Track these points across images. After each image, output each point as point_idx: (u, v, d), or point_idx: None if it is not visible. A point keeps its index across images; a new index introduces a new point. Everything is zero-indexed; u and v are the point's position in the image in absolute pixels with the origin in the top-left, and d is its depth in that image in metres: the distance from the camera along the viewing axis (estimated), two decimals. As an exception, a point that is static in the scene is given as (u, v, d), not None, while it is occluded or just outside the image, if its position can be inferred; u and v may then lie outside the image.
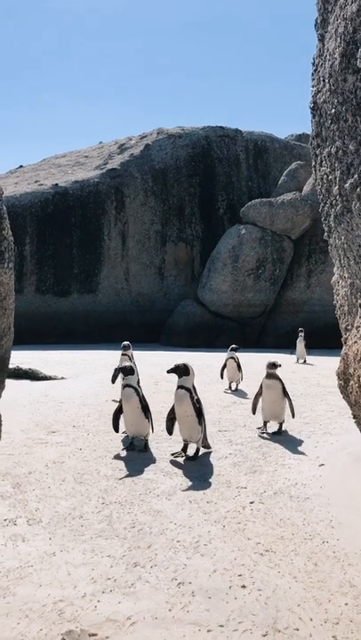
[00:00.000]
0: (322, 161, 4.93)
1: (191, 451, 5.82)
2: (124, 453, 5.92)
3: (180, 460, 5.72)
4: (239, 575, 3.34)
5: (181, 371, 5.74)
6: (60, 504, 4.56)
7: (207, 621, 2.90)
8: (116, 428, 6.26)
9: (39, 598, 3.17)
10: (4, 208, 7.24)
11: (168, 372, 5.82)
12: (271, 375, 6.78)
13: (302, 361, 15.20)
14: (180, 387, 5.72)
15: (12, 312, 7.56)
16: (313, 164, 5.35)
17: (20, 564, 3.58)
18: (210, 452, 5.94)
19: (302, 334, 15.54)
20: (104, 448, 6.12)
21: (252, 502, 4.49)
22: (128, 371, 6.17)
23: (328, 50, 4.26)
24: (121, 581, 3.34)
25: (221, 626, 2.86)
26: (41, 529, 4.12)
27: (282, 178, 25.03)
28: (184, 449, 5.83)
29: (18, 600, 3.16)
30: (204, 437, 5.90)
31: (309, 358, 15.50)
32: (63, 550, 3.77)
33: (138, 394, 6.06)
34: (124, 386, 6.12)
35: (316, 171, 5.27)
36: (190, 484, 4.97)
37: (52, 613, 3.02)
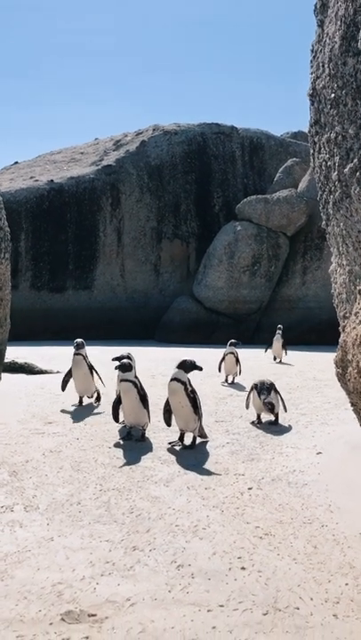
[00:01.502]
0: (320, 148, 4.92)
1: (188, 440, 5.81)
2: (121, 443, 5.91)
3: (177, 448, 5.72)
4: (238, 557, 3.33)
5: (186, 366, 5.74)
6: (57, 491, 4.54)
7: (207, 602, 2.89)
8: (116, 418, 6.31)
9: (37, 581, 3.15)
10: (0, 199, 7.23)
11: (177, 367, 5.79)
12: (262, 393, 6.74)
13: (278, 360, 14.04)
14: (174, 379, 5.71)
15: (8, 303, 7.55)
16: (311, 152, 5.34)
17: (17, 549, 3.56)
18: (206, 442, 5.93)
19: (280, 332, 14.44)
20: (101, 438, 6.10)
21: (250, 488, 4.48)
22: (127, 367, 6.11)
23: (328, 34, 4.25)
24: (120, 564, 3.33)
25: (221, 606, 2.85)
26: (38, 515, 4.09)
27: (277, 175, 25.03)
28: (181, 438, 5.85)
29: (16, 583, 3.14)
30: (201, 427, 5.89)
31: (299, 355, 15.14)
32: (61, 535, 3.75)
33: (136, 385, 6.05)
34: (122, 380, 6.09)
35: (314, 159, 5.26)
36: (188, 471, 4.96)
37: (50, 595, 3.00)
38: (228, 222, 23.82)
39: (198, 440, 5.87)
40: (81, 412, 7.37)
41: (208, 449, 5.66)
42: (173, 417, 5.91)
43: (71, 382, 7.88)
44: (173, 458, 5.36)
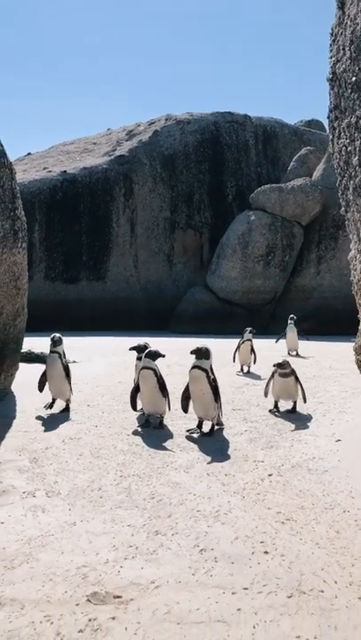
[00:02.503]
0: (340, 133, 4.87)
1: (206, 427, 5.82)
2: (139, 430, 5.94)
3: (195, 435, 5.73)
4: (261, 542, 3.35)
5: (202, 354, 5.78)
6: (78, 477, 4.57)
7: (231, 584, 2.91)
8: (134, 406, 6.38)
9: (62, 564, 3.19)
10: (17, 187, 7.26)
11: (191, 352, 5.86)
12: (286, 374, 6.67)
13: (294, 353, 12.95)
14: (196, 367, 5.73)
15: (25, 292, 7.60)
16: (330, 137, 5.29)
17: (41, 533, 3.60)
18: (222, 429, 5.95)
19: (293, 322, 13.34)
20: (119, 425, 6.13)
21: (270, 475, 4.49)
22: (153, 354, 6.23)
23: (349, 16, 4.20)
24: (143, 548, 3.35)
25: (246, 588, 2.86)
26: (60, 500, 4.13)
27: (291, 163, 24.84)
28: (199, 425, 5.87)
29: (41, 565, 3.18)
30: (219, 415, 5.91)
31: (315, 345, 14.98)
32: (83, 520, 3.79)
33: (155, 373, 6.08)
34: (143, 367, 6.13)
35: (333, 144, 5.21)
36: (207, 458, 4.98)
37: (75, 577, 3.04)
38: (242, 212, 23.71)
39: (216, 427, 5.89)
40: (99, 400, 7.40)
41: (226, 436, 5.67)
42: (191, 404, 5.94)
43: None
44: (192, 445, 5.38)
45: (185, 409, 6.03)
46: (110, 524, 3.70)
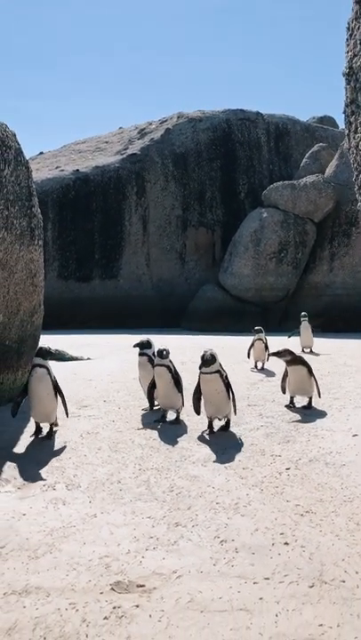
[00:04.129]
0: (357, 128, 4.87)
1: (217, 427, 5.78)
2: (156, 425, 5.98)
3: (207, 436, 5.56)
4: (281, 534, 3.37)
5: (208, 361, 5.57)
6: (97, 470, 4.63)
7: (253, 574, 2.94)
8: (152, 403, 6.48)
9: (85, 554, 3.24)
10: (34, 186, 7.32)
11: (201, 363, 5.63)
12: (293, 361, 6.67)
13: (308, 350, 12.82)
14: (206, 372, 5.58)
15: (42, 289, 7.68)
16: (346, 132, 5.29)
17: (62, 524, 3.65)
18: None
19: (306, 319, 13.22)
20: (136, 420, 6.18)
21: (288, 469, 4.51)
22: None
23: (366, 10, 4.19)
24: (163, 540, 3.39)
25: (267, 578, 2.89)
26: (80, 493, 4.19)
27: (304, 160, 24.75)
28: (210, 425, 5.71)
29: (64, 555, 3.23)
30: (231, 411, 5.78)
31: (328, 342, 14.91)
32: (104, 512, 3.83)
33: (170, 370, 6.12)
34: (157, 365, 6.20)
35: (349, 139, 5.21)
36: (225, 452, 5.01)
37: (98, 567, 3.08)
38: (254, 209, 23.67)
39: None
40: (114, 396, 7.45)
41: (243, 431, 5.70)
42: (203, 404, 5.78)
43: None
44: (209, 439, 5.42)
45: (197, 410, 5.87)
46: (130, 516, 3.75)
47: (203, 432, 5.74)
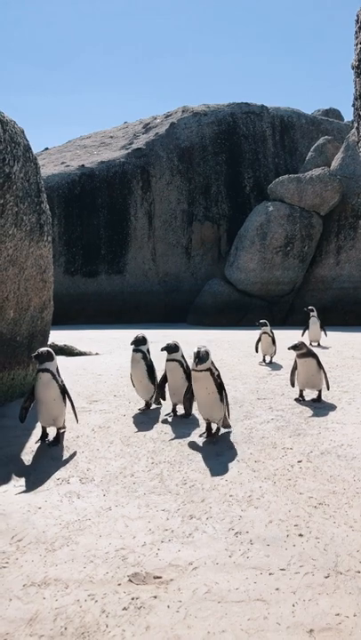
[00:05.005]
0: (366, 120, 4.86)
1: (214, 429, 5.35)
2: (167, 419, 6.01)
3: (202, 439, 5.22)
4: (295, 525, 3.40)
5: (201, 358, 5.10)
6: (110, 464, 4.67)
7: (268, 566, 2.97)
8: (163, 396, 6.44)
9: (101, 547, 3.28)
10: (42, 182, 7.35)
11: (194, 361, 5.15)
12: (303, 354, 6.70)
13: (316, 344, 12.89)
14: (198, 370, 5.13)
15: (51, 285, 7.71)
16: (355, 125, 5.29)
17: (78, 518, 3.69)
18: (229, 432, 5.47)
19: (315, 313, 13.40)
20: (147, 414, 6.21)
21: (300, 461, 4.53)
22: (172, 348, 6.20)
23: (376, 3, 4.18)
24: (178, 532, 3.43)
25: (283, 569, 2.92)
26: (94, 487, 4.23)
27: (309, 153, 24.66)
28: (208, 428, 5.31)
29: (81, 548, 3.27)
30: (225, 417, 5.40)
31: (335, 336, 14.94)
32: (118, 505, 3.87)
33: (182, 365, 6.14)
34: (169, 360, 6.20)
35: (359, 132, 5.21)
36: (236, 445, 5.04)
37: (115, 559, 3.12)
38: (260, 203, 23.62)
39: (222, 430, 5.44)
40: (124, 391, 7.49)
41: (253, 424, 5.72)
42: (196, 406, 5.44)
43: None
44: (220, 433, 5.44)
45: (188, 411, 5.68)
46: (145, 509, 3.79)
47: (200, 435, 5.34)
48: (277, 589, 2.74)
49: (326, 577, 2.82)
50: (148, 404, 6.51)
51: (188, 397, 5.53)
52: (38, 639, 2.41)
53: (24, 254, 6.60)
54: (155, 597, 2.72)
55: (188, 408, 5.72)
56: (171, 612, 2.60)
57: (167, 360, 6.23)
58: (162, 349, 6.26)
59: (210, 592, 2.75)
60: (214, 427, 5.36)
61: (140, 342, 6.55)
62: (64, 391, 5.28)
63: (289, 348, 6.74)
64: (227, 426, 5.50)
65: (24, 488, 4.21)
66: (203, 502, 3.82)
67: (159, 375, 6.43)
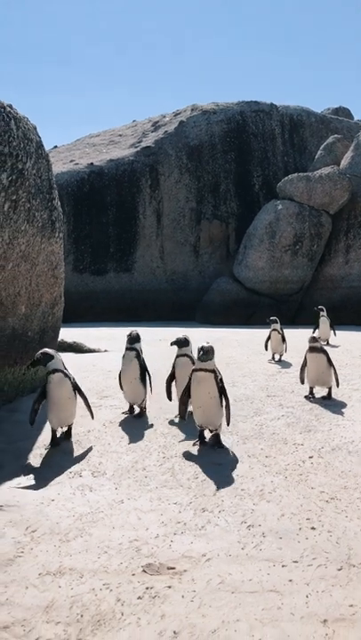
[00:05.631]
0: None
1: (208, 437, 5.06)
2: (177, 414, 6.02)
3: (195, 449, 4.89)
4: (307, 519, 3.42)
5: (207, 353, 4.88)
6: (121, 458, 4.70)
7: (281, 558, 2.99)
8: (170, 396, 6.02)
9: (114, 538, 3.31)
10: (54, 178, 7.39)
11: (198, 357, 4.91)
12: (314, 349, 6.71)
13: (325, 342, 12.58)
14: (201, 369, 4.89)
15: (62, 281, 7.75)
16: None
17: (91, 510, 3.73)
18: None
19: (324, 312, 13.27)
20: (157, 409, 6.24)
21: (311, 457, 4.55)
22: (183, 342, 6.02)
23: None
24: (191, 525, 3.46)
25: (295, 562, 2.94)
26: (106, 480, 4.26)
27: (319, 152, 24.59)
28: (200, 435, 4.99)
29: (94, 539, 3.30)
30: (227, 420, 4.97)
31: (344, 335, 14.79)
32: (130, 498, 3.90)
33: (193, 362, 5.85)
34: (179, 355, 6.00)
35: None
36: (246, 441, 5.05)
37: (129, 550, 3.15)
38: (269, 201, 23.58)
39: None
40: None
41: (264, 421, 5.74)
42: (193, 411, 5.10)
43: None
44: (230, 429, 5.45)
45: (184, 415, 5.24)
46: (157, 502, 3.81)
47: (193, 443, 4.98)
48: (291, 581, 2.76)
49: (339, 569, 2.84)
50: (132, 409, 6.07)
51: (185, 400, 5.10)
52: (55, 626, 2.45)
53: (36, 250, 6.65)
54: (169, 587, 2.75)
55: (183, 412, 5.21)
56: (185, 601, 2.63)
57: (177, 355, 6.02)
58: (171, 344, 6.10)
59: (223, 583, 2.78)
60: (207, 434, 5.03)
61: (134, 340, 6.10)
62: (76, 388, 5.18)
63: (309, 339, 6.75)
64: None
65: (37, 481, 4.25)
66: (215, 496, 3.85)
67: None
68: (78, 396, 5.23)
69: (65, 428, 5.31)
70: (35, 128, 6.73)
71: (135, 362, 5.99)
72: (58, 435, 5.19)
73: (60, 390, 5.07)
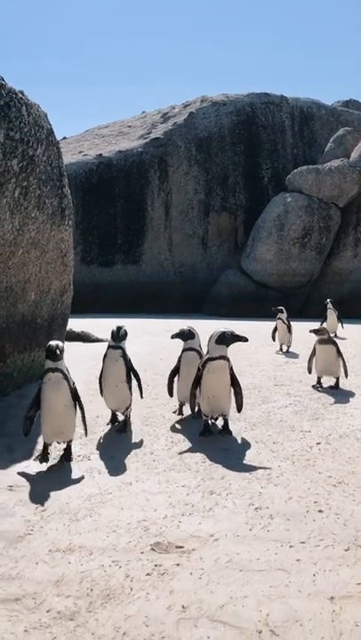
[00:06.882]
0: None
1: (219, 424, 5.07)
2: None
3: (206, 437, 4.82)
4: (315, 502, 3.44)
5: (228, 340, 4.85)
6: (130, 442, 4.74)
7: (288, 539, 3.02)
8: (171, 392, 5.68)
9: (123, 518, 3.34)
10: (64, 166, 7.40)
11: (217, 343, 4.84)
12: (323, 340, 6.72)
13: (333, 334, 12.40)
14: (216, 358, 4.80)
15: (71, 269, 7.78)
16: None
17: (99, 491, 3.77)
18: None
19: (332, 305, 13.29)
20: (165, 397, 6.24)
21: (318, 443, 4.57)
22: (187, 335, 5.57)
23: None
24: (199, 506, 3.48)
25: (303, 542, 2.97)
26: (115, 463, 4.30)
27: (328, 144, 24.45)
28: (206, 425, 4.93)
29: (103, 519, 3.34)
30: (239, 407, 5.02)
31: (352, 328, 14.79)
32: (139, 481, 3.94)
33: (201, 356, 5.36)
34: (186, 349, 5.55)
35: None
36: (254, 427, 5.08)
37: (137, 529, 3.19)
38: (278, 194, 23.49)
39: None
40: (142, 375, 7.53)
41: (271, 409, 5.76)
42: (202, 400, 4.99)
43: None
44: (238, 416, 5.47)
45: (194, 407, 5.08)
46: (165, 485, 3.85)
47: (200, 434, 4.88)
48: (298, 560, 2.79)
49: (346, 550, 2.86)
50: (115, 418, 5.29)
51: (195, 393, 4.94)
52: (65, 599, 2.49)
53: (46, 237, 6.67)
54: (177, 565, 2.78)
55: (194, 405, 5.04)
56: (194, 578, 2.65)
57: (184, 350, 5.53)
58: (173, 336, 5.61)
59: (231, 561, 2.80)
60: (219, 422, 5.01)
61: (122, 337, 5.34)
62: (76, 396, 4.42)
63: (311, 331, 6.75)
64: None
65: (45, 464, 4.28)
66: (222, 479, 3.87)
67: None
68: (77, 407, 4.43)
69: (63, 444, 4.42)
70: (45, 115, 6.74)
71: (121, 362, 5.21)
72: (49, 450, 4.34)
73: (55, 395, 4.28)
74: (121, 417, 5.28)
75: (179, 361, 5.60)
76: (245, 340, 4.95)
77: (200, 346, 5.53)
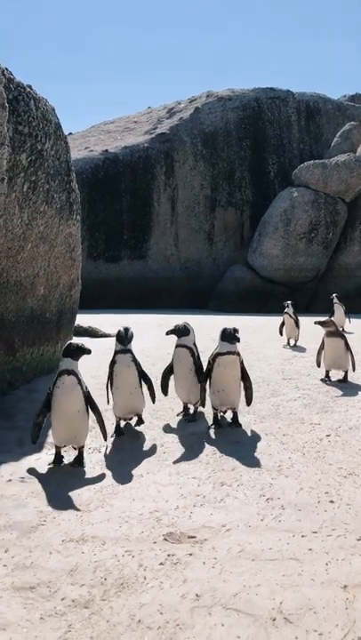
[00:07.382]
0: None
1: (228, 417, 5.08)
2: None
3: (212, 432, 4.85)
4: (326, 493, 3.45)
5: (235, 337, 4.87)
6: (139, 435, 4.76)
7: (300, 529, 3.03)
8: (165, 391, 5.45)
9: (135, 509, 3.36)
10: (72, 161, 7.41)
11: (230, 342, 4.88)
12: (332, 333, 6.72)
13: (342, 329, 12.13)
14: (228, 353, 4.84)
15: (79, 264, 7.80)
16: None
17: (111, 483, 3.79)
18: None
19: (338, 300, 13.33)
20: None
21: (328, 435, 4.57)
22: (182, 331, 5.33)
23: None
24: (210, 497, 3.50)
25: (315, 532, 2.98)
26: (125, 455, 4.32)
27: (335, 139, 24.34)
28: (215, 419, 4.97)
29: (115, 510, 3.36)
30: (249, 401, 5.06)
31: (358, 323, 14.86)
32: (149, 472, 3.96)
33: (193, 354, 5.20)
34: (178, 346, 5.34)
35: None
36: (263, 420, 5.08)
37: (150, 520, 3.21)
38: (284, 189, 23.42)
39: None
40: (150, 369, 7.55)
41: (280, 402, 5.76)
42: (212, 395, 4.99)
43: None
44: (247, 409, 5.47)
45: (204, 400, 5.07)
46: (176, 476, 3.86)
47: (209, 427, 4.92)
48: (310, 550, 2.80)
49: (359, 539, 2.87)
50: (120, 429, 4.86)
51: (205, 386, 4.97)
52: (80, 587, 2.50)
53: (54, 232, 6.69)
54: (190, 555, 2.80)
55: (204, 398, 5.03)
56: (207, 567, 2.67)
57: (176, 346, 5.35)
58: (167, 333, 5.42)
59: (244, 551, 2.82)
60: (228, 415, 5.03)
61: (130, 339, 5.07)
62: (89, 401, 4.24)
63: (316, 323, 6.75)
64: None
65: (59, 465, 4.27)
66: (233, 471, 3.89)
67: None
68: (91, 410, 4.25)
69: (75, 450, 4.22)
70: (53, 109, 6.75)
71: (133, 367, 4.95)
72: (63, 454, 4.20)
73: (67, 400, 4.10)
74: (135, 419, 5.07)
75: (172, 360, 5.43)
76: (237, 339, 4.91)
77: (195, 343, 5.34)
